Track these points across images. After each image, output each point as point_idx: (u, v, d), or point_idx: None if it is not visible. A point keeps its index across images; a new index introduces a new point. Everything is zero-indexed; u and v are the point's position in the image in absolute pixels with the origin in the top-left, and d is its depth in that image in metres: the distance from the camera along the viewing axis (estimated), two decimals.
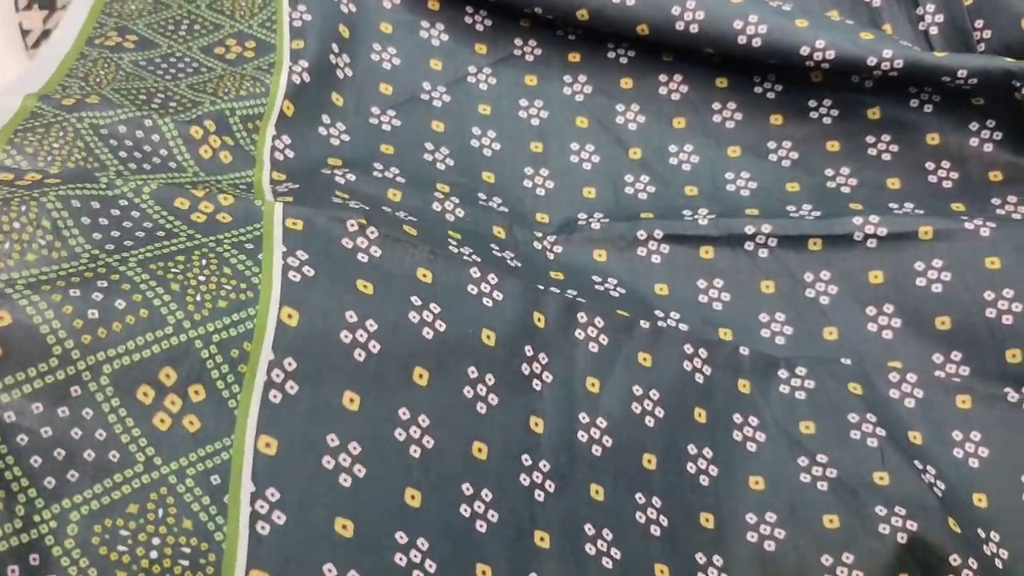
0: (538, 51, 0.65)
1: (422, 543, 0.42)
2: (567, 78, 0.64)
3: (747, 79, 0.64)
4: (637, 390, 0.51)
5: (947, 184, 0.60)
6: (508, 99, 0.64)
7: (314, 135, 0.57)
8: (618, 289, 0.56)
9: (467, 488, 0.44)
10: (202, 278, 0.43)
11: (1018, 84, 0.56)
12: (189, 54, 0.59)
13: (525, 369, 0.49)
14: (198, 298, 0.42)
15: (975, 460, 0.51)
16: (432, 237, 0.51)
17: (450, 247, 0.51)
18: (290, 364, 0.42)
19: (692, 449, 0.51)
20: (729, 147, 0.62)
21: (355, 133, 0.59)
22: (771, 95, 0.63)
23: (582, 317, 0.52)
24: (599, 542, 0.45)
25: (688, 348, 0.53)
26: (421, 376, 0.45)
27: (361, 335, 0.44)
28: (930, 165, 0.61)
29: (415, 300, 0.47)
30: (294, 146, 0.56)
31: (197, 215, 0.47)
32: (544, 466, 0.47)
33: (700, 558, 0.47)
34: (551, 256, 0.58)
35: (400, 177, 0.57)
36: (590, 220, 0.59)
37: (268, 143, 0.55)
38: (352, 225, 0.47)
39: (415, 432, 0.44)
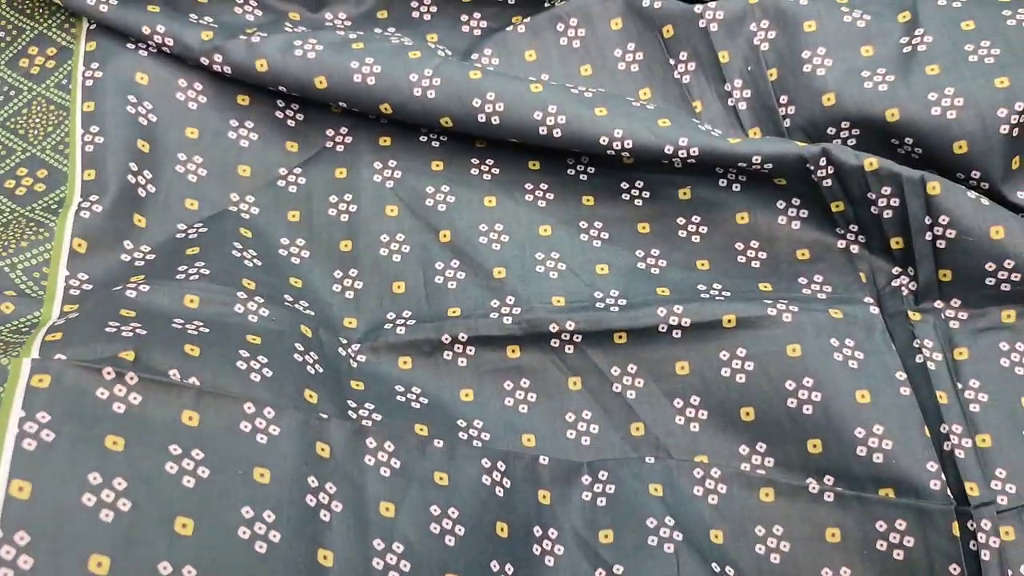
0: (348, 139, 0.63)
1: None
2: (377, 164, 0.62)
3: (560, 161, 0.63)
4: (435, 510, 0.50)
5: (755, 264, 0.60)
6: (318, 199, 0.61)
7: (115, 262, 0.55)
8: (420, 399, 0.55)
9: None
10: None
11: (811, 168, 0.56)
12: None
13: (311, 501, 0.47)
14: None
15: (776, 555, 0.51)
16: (216, 358, 0.49)
17: (234, 369, 0.49)
18: (22, 538, 0.40)
19: (495, 566, 0.50)
20: (541, 226, 0.61)
21: (160, 249, 0.57)
22: (583, 176, 0.63)
23: (371, 442, 0.50)
24: None
25: (486, 462, 0.52)
26: (185, 526, 0.43)
27: (108, 495, 0.42)
28: (739, 245, 0.60)
29: (174, 449, 0.44)
30: (92, 279, 0.54)
31: None
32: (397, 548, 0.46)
33: None
34: (354, 364, 0.56)
35: (205, 270, 0.55)
36: (396, 323, 0.57)
37: (60, 284, 0.53)
38: (109, 373, 0.44)
39: None
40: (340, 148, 0.62)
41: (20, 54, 0.63)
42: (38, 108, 0.61)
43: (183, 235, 0.57)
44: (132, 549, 0.42)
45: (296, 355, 0.52)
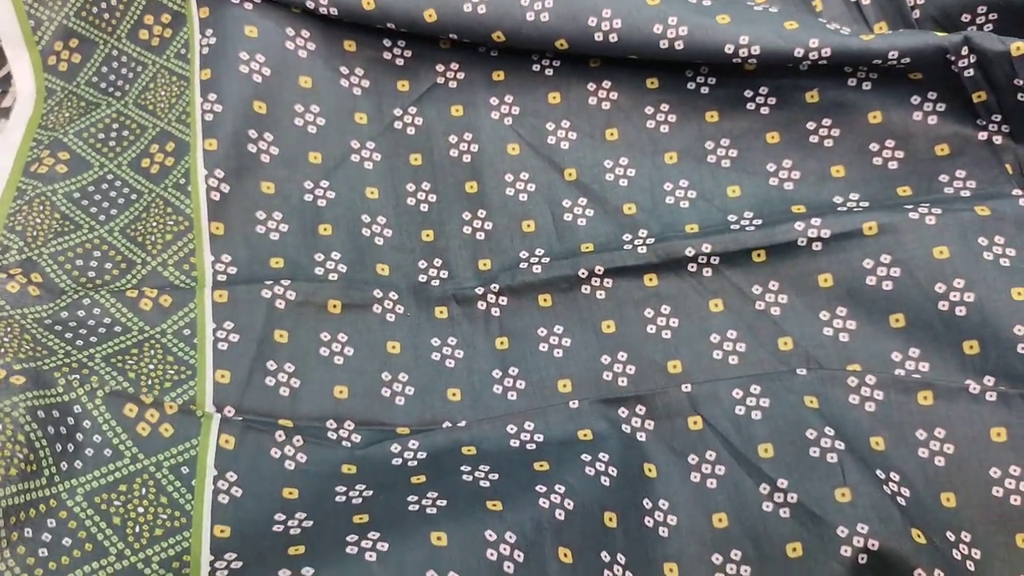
0: (460, 74, 0.63)
1: None
2: (493, 100, 0.62)
3: (679, 75, 0.61)
4: (586, 457, 0.52)
5: (893, 165, 0.58)
6: (438, 138, 0.62)
7: (253, 236, 0.58)
8: (563, 342, 0.56)
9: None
10: (140, 509, 0.48)
11: (952, 58, 0.54)
12: (119, 175, 0.60)
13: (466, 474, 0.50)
14: (136, 530, 0.47)
15: (941, 458, 0.51)
16: (363, 393, 0.56)
17: (380, 399, 0.56)
18: (231, 556, 0.44)
19: (647, 503, 0.51)
20: (666, 153, 0.60)
21: (292, 218, 0.59)
22: (705, 89, 0.61)
23: (514, 425, 0.55)
24: None
25: (623, 411, 0.54)
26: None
27: (293, 524, 0.47)
28: (874, 146, 0.58)
29: (340, 488, 0.50)
30: (236, 260, 0.57)
31: (142, 425, 0.50)
32: (510, 537, 0.48)
33: None
34: (495, 313, 0.57)
35: (341, 265, 0.58)
36: (531, 261, 0.58)
37: (208, 272, 0.56)
38: (280, 436, 0.51)
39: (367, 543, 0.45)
40: (453, 84, 0.62)
41: (138, 24, 0.64)
42: (162, 81, 0.63)
43: (311, 198, 0.59)
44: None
45: (434, 354, 0.57)
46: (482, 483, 0.51)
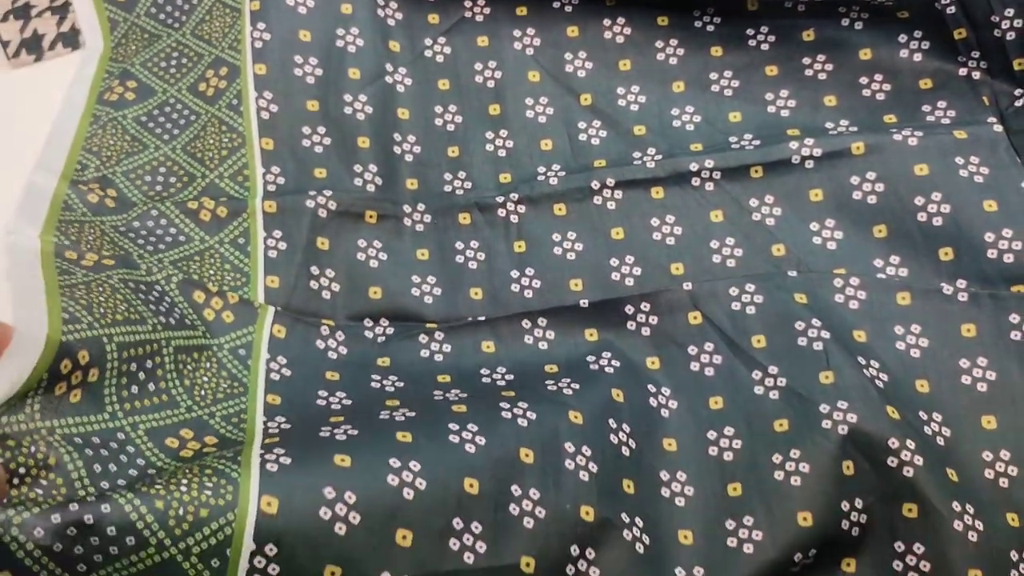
0: (487, 10, 0.68)
1: None
2: (516, 32, 0.68)
3: (687, 15, 0.67)
4: (591, 357, 0.58)
5: (880, 96, 0.64)
6: (464, 66, 0.68)
7: (299, 150, 0.63)
8: (576, 246, 0.62)
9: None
10: (205, 378, 0.53)
11: None
12: (180, 99, 0.66)
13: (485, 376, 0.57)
14: (202, 392, 0.52)
15: (916, 350, 0.57)
16: (396, 295, 0.61)
17: (410, 299, 0.61)
18: (280, 419, 0.50)
19: (651, 388, 0.57)
20: (673, 83, 0.66)
21: (333, 132, 0.64)
22: (711, 28, 0.67)
23: (528, 321, 0.60)
24: (578, 458, 0.51)
25: (629, 309, 0.59)
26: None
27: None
28: (863, 80, 0.64)
29: (375, 377, 0.56)
30: (284, 171, 0.63)
31: (208, 311, 0.56)
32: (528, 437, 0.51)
33: (664, 475, 0.54)
34: (514, 220, 0.63)
35: (378, 177, 0.64)
36: (548, 174, 0.64)
37: (260, 181, 0.62)
38: (324, 331, 0.58)
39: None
40: (479, 18, 0.68)
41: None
42: (217, 12, 0.69)
43: (350, 111, 0.64)
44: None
45: (458, 257, 0.63)
46: (499, 382, 0.56)
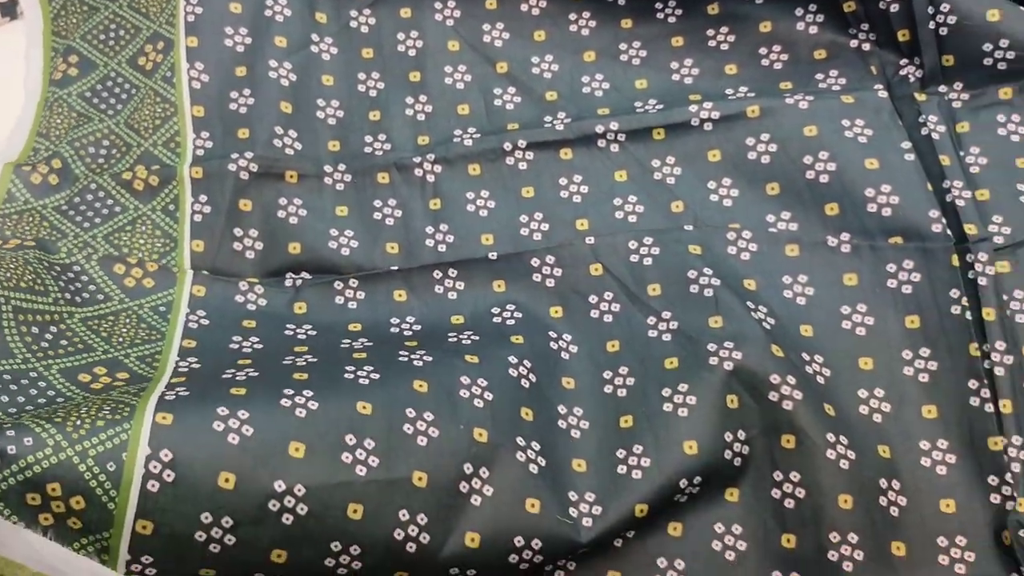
0: None
1: None
2: (438, 5, 0.71)
3: None
4: (496, 309, 0.61)
5: (778, 66, 0.68)
6: (387, 36, 0.71)
7: (226, 113, 0.67)
8: (488, 204, 0.65)
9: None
10: (124, 330, 0.56)
11: None
12: (121, 72, 0.69)
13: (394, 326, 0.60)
14: (120, 340, 0.55)
15: (802, 298, 0.60)
16: (314, 249, 0.63)
17: (328, 251, 0.63)
18: (192, 359, 0.53)
19: (552, 334, 0.60)
20: (585, 53, 0.70)
21: (258, 93, 0.67)
22: (622, 2, 0.70)
23: (440, 270, 0.63)
24: (474, 388, 0.53)
25: (535, 261, 0.62)
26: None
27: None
28: (763, 50, 0.68)
29: (289, 326, 0.59)
30: (212, 136, 0.66)
31: (129, 280, 0.59)
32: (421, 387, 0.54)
33: (562, 408, 0.56)
34: (431, 179, 0.66)
35: (297, 143, 0.67)
36: (464, 137, 0.67)
37: (190, 146, 0.66)
38: (244, 286, 0.61)
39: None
40: None
41: None
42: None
43: (275, 76, 0.67)
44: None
45: (376, 214, 0.65)
46: (406, 332, 0.59)
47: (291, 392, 0.48)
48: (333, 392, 0.49)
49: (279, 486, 0.45)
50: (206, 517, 0.44)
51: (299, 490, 0.45)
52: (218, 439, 0.45)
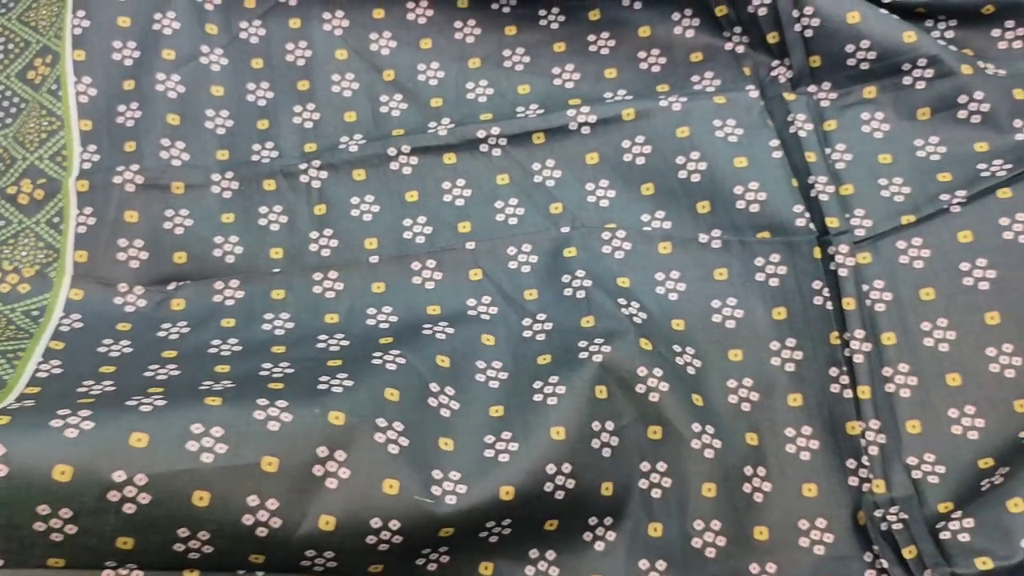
0: None
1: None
2: (326, 15, 0.72)
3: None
4: (371, 310, 0.63)
5: (655, 69, 0.69)
6: (277, 46, 0.72)
7: (113, 127, 0.67)
8: (372, 208, 0.66)
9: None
10: None
11: None
12: (10, 86, 0.70)
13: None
14: None
15: (674, 294, 0.62)
16: (199, 258, 0.64)
17: (212, 260, 0.64)
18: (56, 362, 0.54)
19: (428, 325, 0.61)
20: (470, 59, 0.71)
21: (145, 106, 0.68)
22: (506, 9, 0.72)
23: (320, 272, 0.64)
24: (337, 376, 0.54)
25: (416, 265, 0.64)
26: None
27: (115, 348, 0.54)
28: (642, 54, 0.70)
29: (164, 326, 0.61)
30: (99, 149, 0.67)
31: (4, 286, 0.61)
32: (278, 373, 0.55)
33: (434, 387, 0.56)
34: (316, 185, 0.67)
35: (184, 153, 0.67)
36: (350, 143, 0.68)
37: (77, 160, 0.66)
38: (123, 288, 0.63)
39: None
40: (293, 2, 0.72)
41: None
42: (44, 1, 0.72)
43: (162, 88, 0.68)
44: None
45: (261, 220, 0.66)
46: (277, 331, 0.61)
47: (140, 398, 0.49)
48: (187, 391, 0.50)
49: (119, 476, 0.46)
50: (43, 509, 0.45)
51: (140, 479, 0.46)
52: (54, 434, 0.46)
